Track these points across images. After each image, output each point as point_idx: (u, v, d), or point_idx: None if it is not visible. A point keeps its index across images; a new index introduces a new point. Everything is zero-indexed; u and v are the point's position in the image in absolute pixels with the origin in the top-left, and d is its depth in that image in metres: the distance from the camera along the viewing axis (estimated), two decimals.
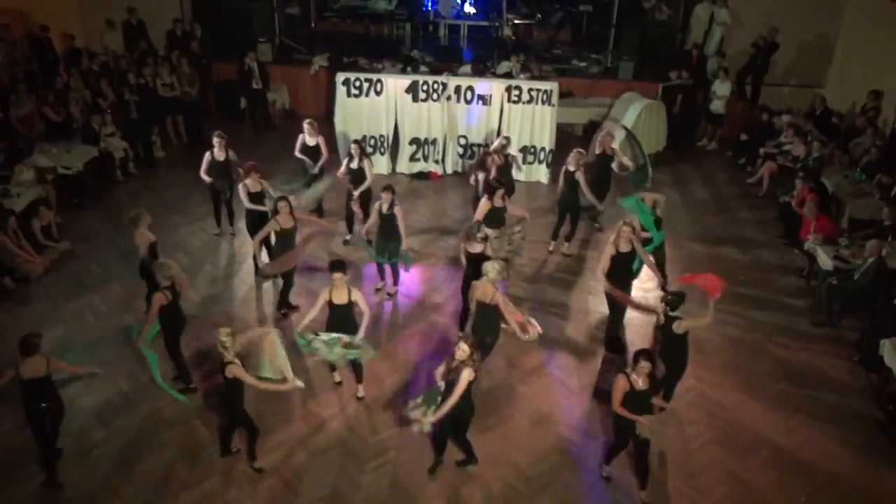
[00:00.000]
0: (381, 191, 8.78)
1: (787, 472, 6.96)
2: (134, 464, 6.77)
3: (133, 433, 7.11)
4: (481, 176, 10.73)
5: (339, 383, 7.81)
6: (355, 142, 10.10)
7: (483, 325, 7.35)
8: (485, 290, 7.24)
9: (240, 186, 9.33)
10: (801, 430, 7.47)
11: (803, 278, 10.02)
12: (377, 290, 9.30)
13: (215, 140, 9.98)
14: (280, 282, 8.94)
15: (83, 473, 6.66)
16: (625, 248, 8.04)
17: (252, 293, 9.36)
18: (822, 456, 7.17)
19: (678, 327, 6.89)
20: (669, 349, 7.11)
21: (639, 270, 8.72)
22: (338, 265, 7.19)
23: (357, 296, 7.24)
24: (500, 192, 8.91)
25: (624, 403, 6.20)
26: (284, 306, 8.92)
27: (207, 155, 9.99)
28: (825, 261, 9.31)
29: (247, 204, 9.25)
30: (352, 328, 7.18)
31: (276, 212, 8.51)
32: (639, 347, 7.02)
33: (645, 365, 6.09)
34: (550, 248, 10.43)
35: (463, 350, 6.10)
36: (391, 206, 8.73)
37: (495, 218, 8.86)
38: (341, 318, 7.19)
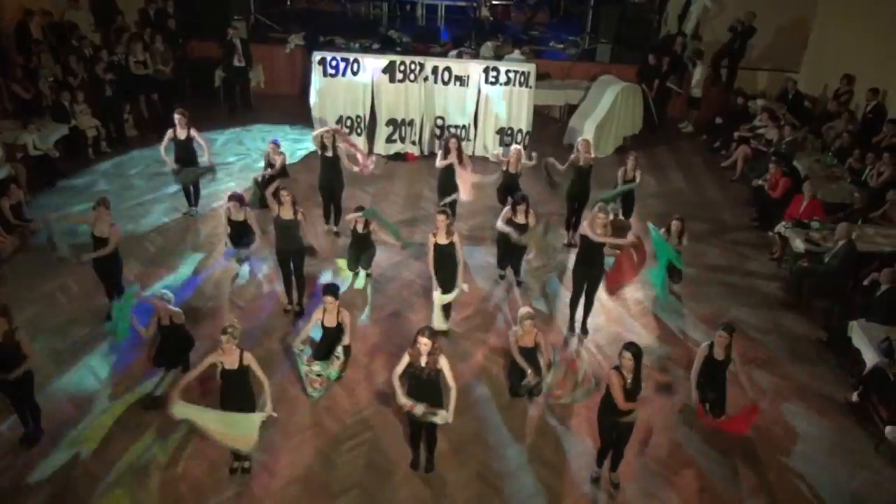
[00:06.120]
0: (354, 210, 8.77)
1: (755, 451, 7.08)
2: (110, 447, 6.72)
3: (108, 416, 7.04)
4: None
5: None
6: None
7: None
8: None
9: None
10: (770, 411, 7.59)
11: (775, 260, 10.17)
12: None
13: (176, 117, 9.68)
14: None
15: (58, 458, 6.60)
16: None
17: (227, 273, 9.28)
18: (790, 435, 7.31)
19: None
20: None
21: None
22: (331, 288, 7.26)
23: (344, 317, 7.28)
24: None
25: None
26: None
27: (169, 133, 9.73)
28: (797, 243, 9.45)
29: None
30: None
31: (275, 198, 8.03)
32: None
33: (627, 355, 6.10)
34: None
35: (425, 343, 6.05)
36: (366, 226, 8.74)
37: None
38: (329, 341, 7.33)
